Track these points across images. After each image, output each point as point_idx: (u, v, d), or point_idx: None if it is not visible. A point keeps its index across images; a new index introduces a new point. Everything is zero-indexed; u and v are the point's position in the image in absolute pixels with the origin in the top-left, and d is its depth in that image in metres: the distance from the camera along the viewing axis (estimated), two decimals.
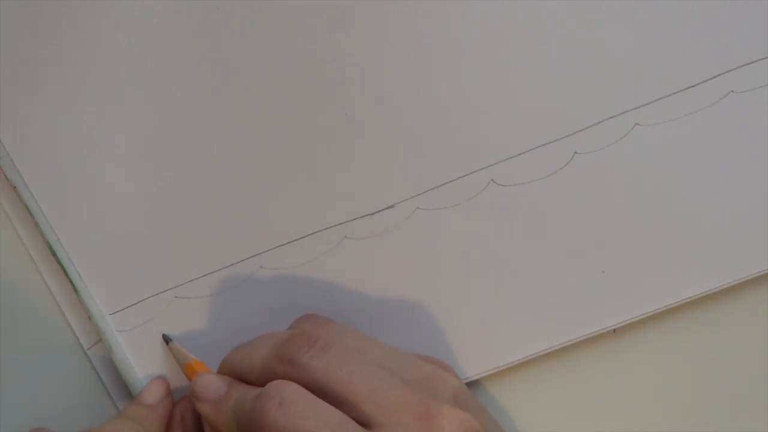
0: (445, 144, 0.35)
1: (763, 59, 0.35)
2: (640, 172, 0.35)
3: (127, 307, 0.36)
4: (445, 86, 0.35)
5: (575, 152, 0.35)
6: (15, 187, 0.36)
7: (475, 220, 0.35)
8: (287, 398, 0.29)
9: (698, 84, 0.35)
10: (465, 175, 0.35)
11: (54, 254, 0.36)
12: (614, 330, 0.36)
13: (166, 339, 0.36)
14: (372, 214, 0.36)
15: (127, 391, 0.36)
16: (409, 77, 0.35)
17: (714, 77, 0.35)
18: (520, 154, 0.35)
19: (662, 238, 0.35)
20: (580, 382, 0.36)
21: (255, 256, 0.36)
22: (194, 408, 0.36)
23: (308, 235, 0.36)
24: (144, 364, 0.36)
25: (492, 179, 0.35)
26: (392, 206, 0.36)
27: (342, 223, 0.36)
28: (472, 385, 0.36)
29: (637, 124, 0.35)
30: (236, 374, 0.33)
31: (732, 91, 0.35)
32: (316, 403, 0.29)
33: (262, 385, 0.30)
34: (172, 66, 0.36)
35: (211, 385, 0.32)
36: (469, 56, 0.35)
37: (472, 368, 0.35)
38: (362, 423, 0.29)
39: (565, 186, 0.35)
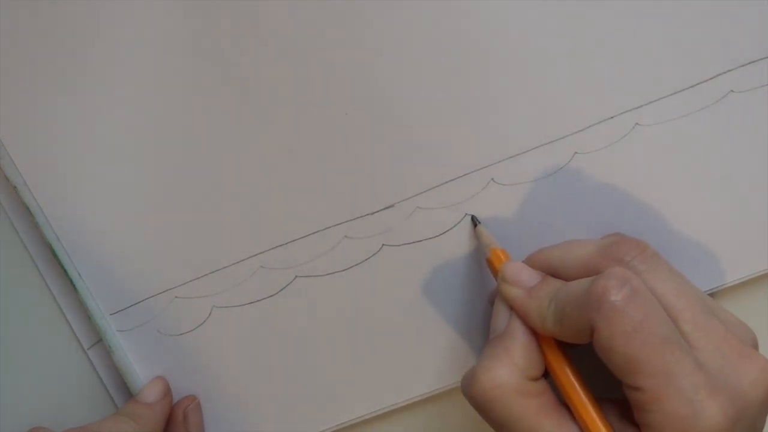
0: (445, 144, 0.35)
1: (763, 59, 0.35)
2: (640, 171, 0.35)
3: (127, 307, 0.36)
4: (445, 86, 0.35)
5: (575, 152, 0.35)
6: (15, 187, 0.36)
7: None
8: (630, 283, 0.28)
9: (698, 84, 0.35)
10: (465, 175, 0.35)
11: (54, 254, 0.36)
12: None
13: (475, 221, 0.35)
14: (372, 213, 0.36)
15: (127, 391, 0.36)
16: (409, 77, 0.35)
17: (714, 77, 0.35)
18: (520, 154, 0.35)
19: (662, 238, 0.35)
20: None
21: (255, 256, 0.36)
22: (196, 407, 0.36)
23: (309, 234, 0.36)
24: (144, 364, 0.36)
25: (492, 179, 0.35)
26: (392, 206, 0.36)
27: (342, 223, 0.36)
28: None
29: (637, 124, 0.35)
30: (547, 269, 0.32)
31: (732, 90, 0.35)
32: (652, 298, 0.28)
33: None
34: (173, 66, 0.36)
35: (524, 271, 0.32)
36: (470, 56, 0.35)
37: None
38: None
39: (565, 186, 0.35)
